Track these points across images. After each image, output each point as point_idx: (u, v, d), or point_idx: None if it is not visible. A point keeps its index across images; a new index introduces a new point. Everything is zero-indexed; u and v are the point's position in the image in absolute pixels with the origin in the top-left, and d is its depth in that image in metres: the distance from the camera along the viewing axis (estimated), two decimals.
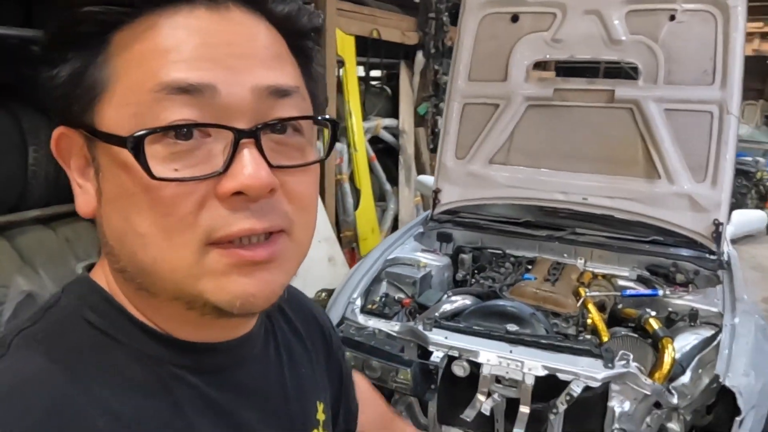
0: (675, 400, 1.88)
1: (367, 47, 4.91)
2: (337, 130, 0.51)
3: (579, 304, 2.23)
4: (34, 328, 0.46)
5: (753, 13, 9.74)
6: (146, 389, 0.46)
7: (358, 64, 6.64)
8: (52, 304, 0.48)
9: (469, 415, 1.89)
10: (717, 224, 2.55)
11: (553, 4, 2.82)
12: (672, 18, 2.62)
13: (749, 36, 8.78)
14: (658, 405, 1.89)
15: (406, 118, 5.45)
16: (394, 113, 5.41)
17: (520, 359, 1.88)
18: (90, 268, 0.52)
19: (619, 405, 1.88)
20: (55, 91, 0.44)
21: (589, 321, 2.17)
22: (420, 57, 5.45)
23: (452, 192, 3.06)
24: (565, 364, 1.86)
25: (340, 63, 4.43)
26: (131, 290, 0.48)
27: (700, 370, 1.94)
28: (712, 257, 2.54)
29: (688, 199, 2.62)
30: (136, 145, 0.40)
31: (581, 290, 2.29)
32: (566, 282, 2.38)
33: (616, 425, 1.87)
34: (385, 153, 5.32)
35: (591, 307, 2.21)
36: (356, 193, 4.69)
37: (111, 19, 0.42)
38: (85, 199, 0.48)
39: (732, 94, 2.55)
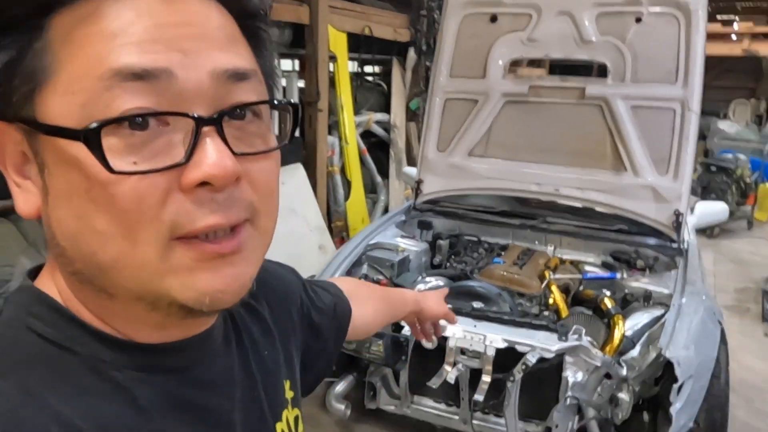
0: (624, 372, 2.06)
1: (360, 44, 5.06)
2: (299, 113, 0.48)
3: (543, 285, 2.41)
4: None
5: (745, 12, 9.87)
6: (107, 398, 0.43)
7: (352, 59, 6.82)
8: None
9: (435, 383, 2.07)
10: (677, 214, 2.72)
11: (529, 5, 2.98)
12: (638, 20, 2.79)
13: (740, 36, 8.94)
14: (608, 376, 2.07)
15: (397, 113, 5.61)
16: (387, 108, 5.57)
17: (483, 333, 2.06)
18: (33, 274, 0.48)
19: (572, 375, 2.05)
20: None
21: (551, 301, 2.35)
22: (412, 54, 5.61)
23: (434, 183, 3.23)
24: (523, 338, 2.04)
25: (332, 59, 4.60)
26: (87, 294, 0.44)
27: (648, 345, 2.11)
28: (673, 245, 2.72)
29: (652, 190, 2.79)
30: (92, 138, 0.37)
31: (546, 273, 2.47)
32: (533, 266, 2.56)
33: (570, 393, 2.04)
34: (377, 146, 5.48)
35: (554, 288, 2.39)
36: (347, 185, 4.86)
37: (48, 0, 0.39)
38: (25, 199, 0.43)
39: (693, 92, 2.72)
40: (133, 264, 0.40)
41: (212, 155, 0.39)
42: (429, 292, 1.10)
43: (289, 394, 0.62)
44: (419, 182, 3.27)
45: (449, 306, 2.17)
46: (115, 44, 0.38)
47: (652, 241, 2.79)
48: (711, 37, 9.27)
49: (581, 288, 2.44)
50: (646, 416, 2.15)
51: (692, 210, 3.04)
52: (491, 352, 2.04)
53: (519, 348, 2.02)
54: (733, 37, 9.10)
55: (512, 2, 3.02)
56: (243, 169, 0.41)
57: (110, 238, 0.39)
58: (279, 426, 0.59)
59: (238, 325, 0.59)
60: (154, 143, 0.39)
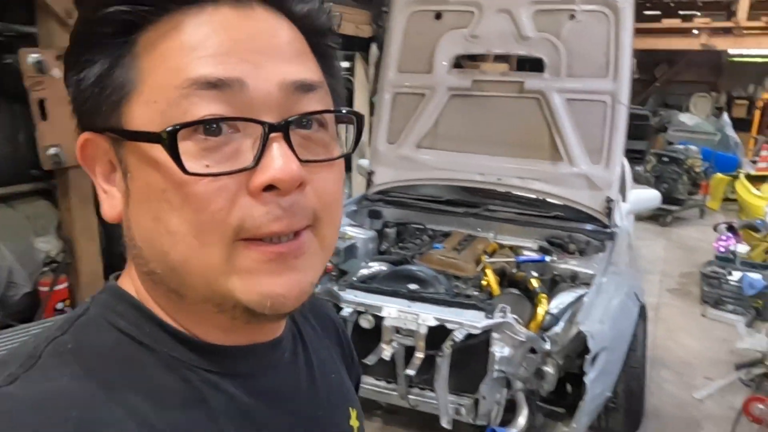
0: (548, 347, 2.21)
1: None
2: (362, 124, 0.50)
3: (479, 269, 2.56)
4: (64, 337, 0.45)
5: (706, 8, 10.13)
6: (181, 398, 0.45)
7: None
8: (81, 313, 0.48)
9: (371, 360, 2.21)
10: (608, 201, 2.90)
11: (471, 3, 3.12)
12: (572, 17, 2.94)
13: (699, 30, 9.21)
14: (533, 350, 2.22)
15: (360, 108, 5.73)
16: (350, 103, 5.69)
17: (416, 312, 2.20)
18: (118, 277, 0.52)
19: (499, 350, 2.20)
20: (82, 94, 0.44)
21: (484, 282, 2.49)
22: (374, 49, 5.72)
23: (384, 174, 3.36)
24: (452, 316, 2.18)
25: None
26: (161, 294, 0.47)
27: (571, 322, 2.27)
28: (606, 230, 2.89)
29: (586, 179, 2.96)
30: (170, 140, 0.40)
31: (483, 257, 2.62)
32: (471, 251, 2.71)
33: (497, 367, 2.19)
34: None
35: (488, 271, 2.54)
36: None
37: (137, 20, 0.43)
38: (110, 204, 0.47)
39: (622, 85, 2.88)
40: (200, 264, 0.42)
41: (279, 160, 0.41)
42: None
43: (354, 423, 0.61)
44: (371, 174, 3.39)
45: (389, 288, 2.31)
46: (193, 56, 0.41)
47: (588, 226, 2.96)
48: (671, 32, 9.57)
49: (515, 271, 2.59)
50: (569, 388, 2.31)
51: (625, 198, 3.21)
52: (423, 330, 2.18)
53: (449, 326, 2.16)
54: (695, 32, 9.37)
55: (456, 0, 3.16)
56: (308, 177, 0.44)
57: (181, 238, 0.42)
58: None
59: (307, 344, 0.59)
60: (226, 148, 0.42)
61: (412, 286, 2.35)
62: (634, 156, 6.65)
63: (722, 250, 4.22)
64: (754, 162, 7.65)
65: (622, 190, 3.38)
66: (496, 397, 2.22)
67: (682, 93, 11.73)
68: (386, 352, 2.21)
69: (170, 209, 0.42)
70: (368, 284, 2.41)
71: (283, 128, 0.42)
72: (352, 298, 2.29)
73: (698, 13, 10.99)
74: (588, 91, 2.96)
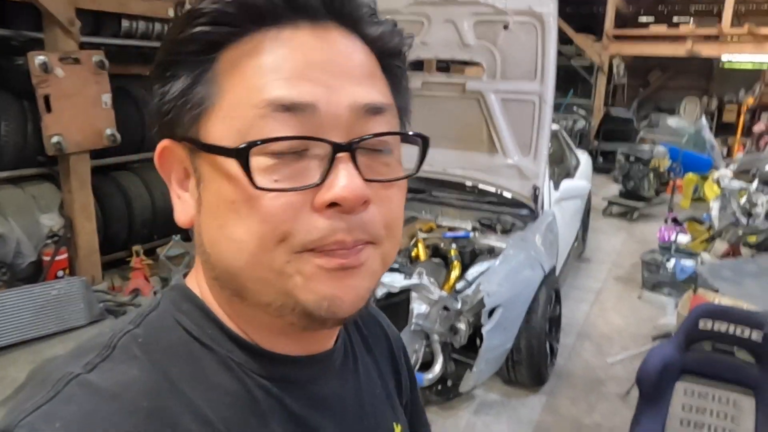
0: (458, 306, 2.63)
1: None
2: (428, 146, 0.51)
3: (411, 242, 2.99)
4: (137, 331, 0.47)
5: (698, 15, 10.41)
6: (235, 397, 0.47)
7: None
8: (153, 308, 0.50)
9: None
10: (535, 188, 3.31)
11: (421, 14, 3.54)
12: (506, 27, 3.35)
13: (683, 38, 9.52)
14: (446, 309, 2.64)
15: None
16: None
17: None
18: (186, 275, 0.54)
19: (417, 307, 2.62)
20: (165, 105, 0.46)
21: (414, 254, 2.92)
22: None
23: None
24: None
25: None
26: (224, 298, 0.49)
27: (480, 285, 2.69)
28: (533, 214, 3.30)
29: (517, 169, 3.37)
30: (243, 156, 0.42)
31: (417, 233, 3.05)
32: (408, 228, 3.14)
33: (415, 321, 2.61)
34: None
35: (420, 244, 2.97)
36: None
37: (219, 39, 0.44)
38: (183, 209, 0.49)
39: (547, 87, 3.29)
40: (262, 268, 0.44)
41: (344, 179, 0.42)
42: None
43: None
44: None
45: None
46: (270, 78, 0.43)
47: (522, 211, 3.37)
48: (658, 39, 9.90)
49: (442, 245, 3.01)
50: (479, 342, 2.72)
51: (557, 186, 3.62)
52: None
53: None
54: (688, 40, 9.68)
55: (408, 11, 3.59)
56: (372, 195, 0.44)
57: (245, 246, 0.43)
58: None
59: (357, 356, 0.60)
60: (294, 166, 0.43)
61: None
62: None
63: (665, 239, 4.59)
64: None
65: (560, 179, 3.79)
66: (415, 347, 2.64)
67: (675, 98, 12.05)
68: None
69: (237, 219, 0.43)
70: None
71: (350, 148, 0.44)
72: None
73: (689, 20, 11.32)
74: (519, 92, 3.37)
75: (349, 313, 0.46)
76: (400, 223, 0.51)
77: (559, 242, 3.44)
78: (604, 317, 3.90)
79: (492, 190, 3.44)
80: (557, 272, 3.48)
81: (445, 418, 2.71)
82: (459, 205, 3.43)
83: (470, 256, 2.95)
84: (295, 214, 0.43)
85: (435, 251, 3.07)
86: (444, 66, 6.21)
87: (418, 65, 5.35)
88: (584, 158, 5.30)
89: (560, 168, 4.33)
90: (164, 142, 0.48)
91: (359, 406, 0.56)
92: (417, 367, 2.66)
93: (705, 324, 1.93)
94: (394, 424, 0.61)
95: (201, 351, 0.47)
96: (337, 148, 0.43)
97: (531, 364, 2.80)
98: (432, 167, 3.59)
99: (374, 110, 0.46)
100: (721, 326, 1.92)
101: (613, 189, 7.06)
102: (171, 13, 4.11)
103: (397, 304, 2.66)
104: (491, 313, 2.53)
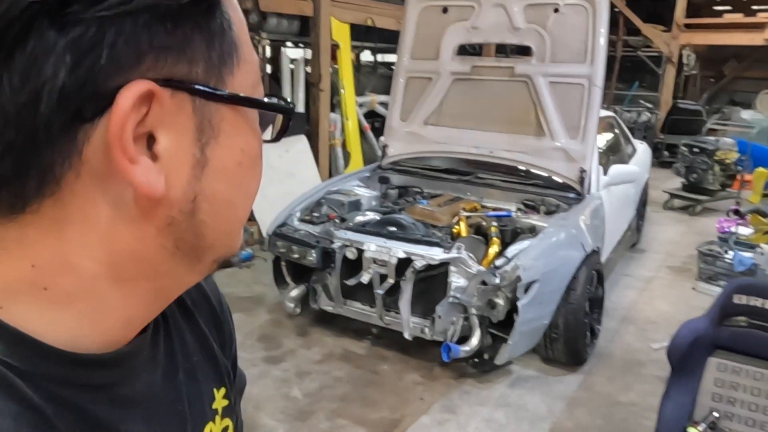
0: (497, 281, 2.69)
1: (366, 33, 5.76)
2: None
3: (453, 220, 3.07)
4: None
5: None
6: (17, 420, 0.36)
7: (367, 48, 7.52)
8: None
9: (352, 282, 2.78)
10: (582, 171, 3.31)
11: None
12: (556, 10, 3.37)
13: (761, 25, 9.02)
14: (484, 283, 2.71)
15: None
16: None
17: (389, 247, 2.75)
18: None
19: (455, 280, 2.71)
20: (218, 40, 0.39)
21: (455, 230, 3.00)
22: None
23: (396, 146, 3.91)
24: (418, 250, 2.71)
25: (335, 46, 5.32)
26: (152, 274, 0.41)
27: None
28: (579, 196, 3.30)
29: (564, 152, 3.38)
30: (289, 111, 0.43)
31: (460, 212, 3.13)
32: (452, 207, 3.22)
33: (453, 293, 2.70)
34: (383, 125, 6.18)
35: (462, 222, 3.04)
36: (347, 156, 5.59)
37: None
38: (156, 177, 0.36)
39: (597, 70, 3.28)
40: (245, 218, 0.45)
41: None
42: None
43: (220, 404, 0.59)
44: (385, 146, 3.96)
45: (372, 230, 2.90)
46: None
47: (570, 194, 3.37)
48: (733, 27, 9.41)
49: (484, 224, 3.07)
50: (516, 317, 2.77)
51: (606, 171, 3.59)
52: (394, 261, 2.73)
53: (414, 258, 2.70)
54: (767, 29, 9.16)
55: None
56: None
57: (252, 200, 0.44)
58: None
59: (170, 328, 0.54)
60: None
61: (391, 229, 2.90)
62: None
63: (724, 230, 4.43)
64: None
65: (611, 165, 3.75)
66: (452, 319, 2.73)
67: (752, 90, 11.40)
68: (364, 277, 2.77)
69: (255, 173, 0.43)
70: (358, 227, 2.99)
71: None
72: (342, 236, 2.88)
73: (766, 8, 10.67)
74: (568, 75, 3.37)
75: None
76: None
77: (606, 226, 3.42)
78: (651, 304, 3.84)
79: (537, 172, 3.46)
80: (604, 256, 3.47)
81: (480, 390, 2.79)
82: (504, 187, 3.48)
83: (511, 235, 3.00)
84: None
85: (477, 230, 3.13)
86: (503, 51, 6.20)
87: (474, 50, 5.39)
88: (641, 148, 5.18)
89: (615, 156, 4.27)
90: (145, 84, 0.34)
91: (171, 387, 0.52)
92: (455, 339, 2.74)
93: (740, 299, 1.91)
94: (215, 389, 0.58)
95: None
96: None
97: (567, 339, 2.82)
98: (479, 150, 3.65)
99: None
100: (756, 302, 1.90)
101: (677, 183, 6.81)
102: None
103: (435, 277, 2.75)
104: (528, 287, 2.58)
